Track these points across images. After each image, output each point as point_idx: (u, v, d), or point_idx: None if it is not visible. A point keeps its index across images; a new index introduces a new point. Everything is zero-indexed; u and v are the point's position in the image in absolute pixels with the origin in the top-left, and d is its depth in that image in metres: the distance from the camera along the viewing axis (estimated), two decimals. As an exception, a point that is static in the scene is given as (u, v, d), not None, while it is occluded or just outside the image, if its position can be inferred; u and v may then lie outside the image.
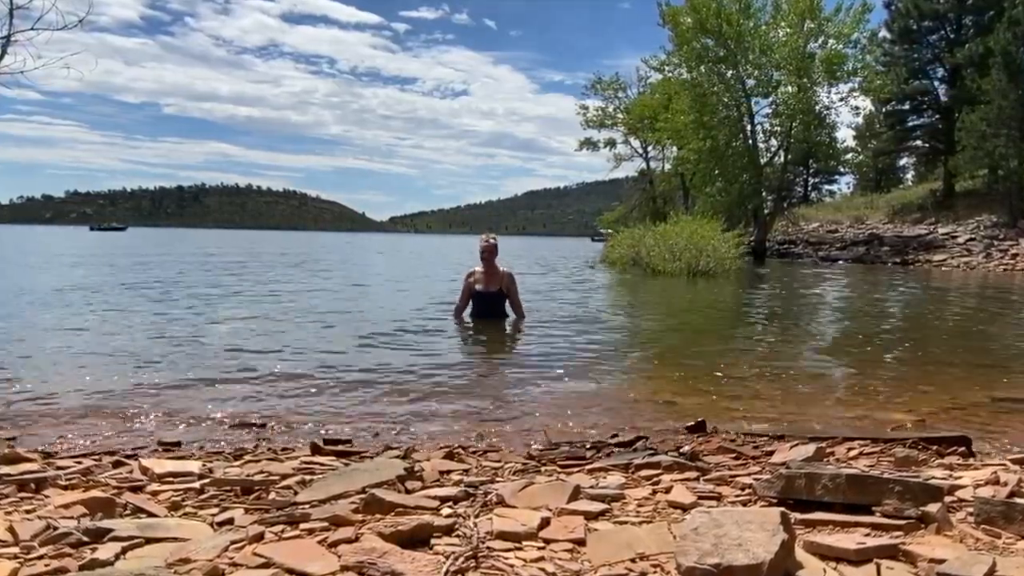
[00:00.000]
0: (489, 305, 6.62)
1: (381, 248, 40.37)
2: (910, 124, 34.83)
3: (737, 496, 2.08)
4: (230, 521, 1.82)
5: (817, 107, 26.97)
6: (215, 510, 1.94)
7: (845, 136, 47.28)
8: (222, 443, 2.86)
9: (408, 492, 2.06)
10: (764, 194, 29.07)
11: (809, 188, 47.73)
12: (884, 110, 35.68)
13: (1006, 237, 24.26)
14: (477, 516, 1.82)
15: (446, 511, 1.88)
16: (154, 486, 2.17)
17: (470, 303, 6.70)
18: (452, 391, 4.03)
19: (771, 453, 2.65)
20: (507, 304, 6.70)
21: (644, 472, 2.37)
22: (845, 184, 48.01)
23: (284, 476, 2.27)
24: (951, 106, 30.79)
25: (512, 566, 1.52)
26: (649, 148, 37.06)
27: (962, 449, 2.66)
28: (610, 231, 28.36)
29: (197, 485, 2.15)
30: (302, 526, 1.73)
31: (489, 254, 6.54)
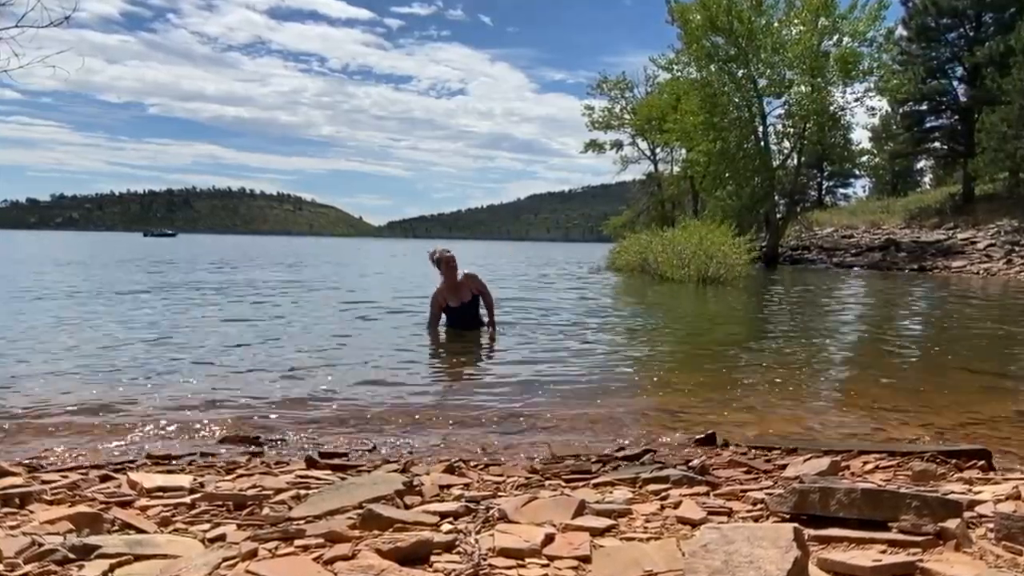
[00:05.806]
0: (466, 317, 6.51)
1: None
2: (928, 125, 34.22)
3: (748, 511, 2.03)
4: (222, 537, 1.78)
5: (831, 107, 26.59)
6: (206, 526, 1.90)
7: (860, 138, 46.95)
8: (214, 456, 2.81)
9: (407, 507, 2.03)
10: (776, 198, 28.79)
11: (823, 192, 47.46)
12: (901, 111, 35.28)
13: (1028, 242, 23.91)
14: (478, 532, 1.79)
15: (446, 527, 1.84)
16: (143, 501, 2.14)
17: (443, 317, 6.55)
18: (452, 403, 3.97)
19: (784, 467, 2.60)
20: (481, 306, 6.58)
21: (652, 487, 2.32)
22: (860, 187, 47.75)
23: (278, 491, 2.23)
24: (970, 106, 30.43)
25: (514, 584, 1.48)
26: (657, 150, 36.29)
27: (982, 463, 2.60)
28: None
29: (188, 500, 2.12)
30: (297, 542, 1.69)
31: (451, 267, 6.39)
